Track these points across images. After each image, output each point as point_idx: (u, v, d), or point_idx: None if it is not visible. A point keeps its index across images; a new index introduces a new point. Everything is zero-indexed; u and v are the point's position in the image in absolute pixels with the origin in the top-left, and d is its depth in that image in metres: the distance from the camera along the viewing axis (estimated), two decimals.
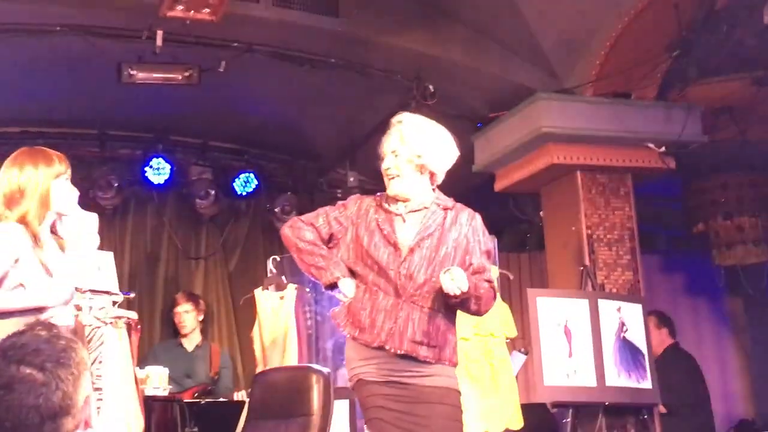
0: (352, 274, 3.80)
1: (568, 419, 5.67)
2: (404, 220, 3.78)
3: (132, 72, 5.91)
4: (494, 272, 5.65)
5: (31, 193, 3.49)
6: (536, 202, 7.19)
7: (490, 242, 3.84)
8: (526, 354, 6.21)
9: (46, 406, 1.62)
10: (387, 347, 3.61)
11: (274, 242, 8.10)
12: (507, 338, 5.62)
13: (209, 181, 7.86)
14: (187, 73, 6.03)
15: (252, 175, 7.98)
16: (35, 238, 3.48)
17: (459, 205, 3.86)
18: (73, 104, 7.02)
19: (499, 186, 7.05)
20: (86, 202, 6.25)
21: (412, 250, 3.71)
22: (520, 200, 7.99)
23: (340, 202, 3.94)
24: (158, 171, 7.62)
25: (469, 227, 3.75)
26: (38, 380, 1.62)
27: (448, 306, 3.65)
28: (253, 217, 8.28)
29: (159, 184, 7.64)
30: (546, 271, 7.02)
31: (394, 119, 3.87)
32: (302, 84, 6.87)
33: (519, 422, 5.44)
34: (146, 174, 7.60)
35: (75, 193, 3.66)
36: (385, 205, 3.86)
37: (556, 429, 6.57)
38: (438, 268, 3.63)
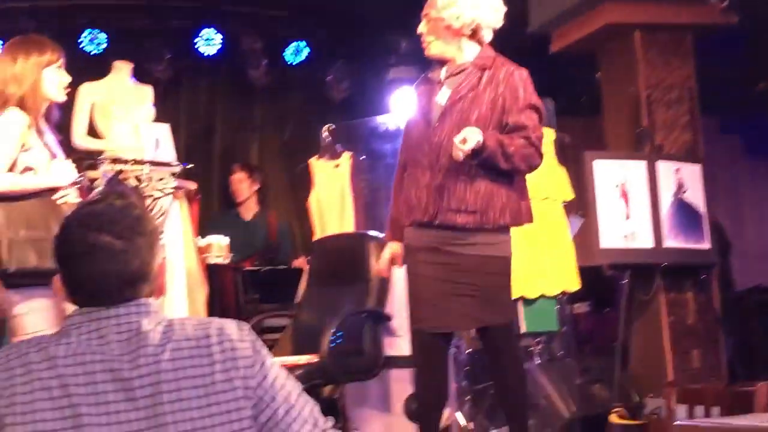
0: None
1: (626, 281, 5.68)
2: (442, 87, 3.73)
3: None
4: (550, 134, 5.61)
5: (26, 81, 3.56)
6: (593, 63, 7.04)
7: (534, 97, 3.68)
8: (584, 217, 6.20)
9: (125, 272, 1.66)
10: (434, 221, 3.63)
11: (327, 111, 8.08)
12: (563, 201, 5.59)
13: (260, 51, 7.81)
14: None
15: (303, 44, 7.91)
16: (35, 123, 3.57)
17: (500, 60, 3.70)
18: None
19: (554, 47, 6.90)
20: (139, 75, 6.33)
21: (443, 117, 3.65)
22: (576, 62, 7.82)
23: None
24: (209, 42, 7.59)
25: (505, 85, 3.62)
26: (117, 247, 1.66)
27: (486, 167, 3.57)
28: (305, 86, 8.24)
29: (210, 55, 7.62)
30: (602, 134, 6.93)
31: None
32: None
33: (575, 284, 5.47)
34: (197, 45, 7.58)
35: (67, 80, 3.69)
36: (429, 75, 3.81)
37: (612, 291, 6.62)
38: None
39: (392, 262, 3.94)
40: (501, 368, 3.75)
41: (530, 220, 3.77)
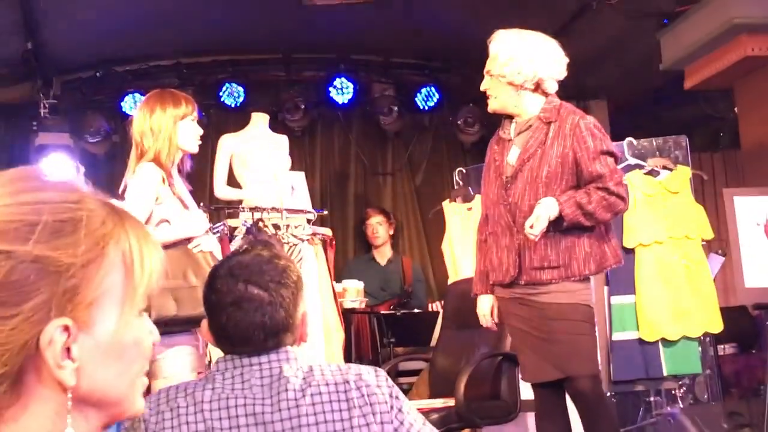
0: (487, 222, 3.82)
1: None
2: (512, 145, 3.72)
3: None
4: (687, 173, 5.49)
5: (161, 133, 3.68)
6: (729, 98, 6.87)
7: (605, 142, 3.61)
8: (724, 256, 6.02)
9: (271, 324, 1.73)
10: (519, 281, 3.62)
11: (458, 155, 8.15)
12: (703, 240, 5.45)
13: (392, 97, 7.94)
14: None
15: (433, 89, 8.01)
16: (168, 176, 3.68)
17: (564, 110, 3.67)
18: (257, 30, 7.20)
19: (689, 83, 6.76)
20: (275, 125, 6.53)
21: (515, 177, 3.63)
22: (711, 97, 7.65)
23: None
24: (342, 90, 7.78)
25: (572, 137, 3.57)
26: (264, 299, 1.73)
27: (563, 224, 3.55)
28: (436, 130, 8.33)
29: (343, 103, 7.81)
30: (741, 170, 6.73)
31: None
32: None
33: (718, 326, 5.30)
34: (330, 94, 7.78)
35: (199, 132, 3.80)
36: (501, 134, 3.80)
37: (757, 332, 6.37)
38: (543, 190, 3.54)
39: (492, 314, 3.93)
40: (592, 417, 3.68)
41: (618, 261, 3.69)
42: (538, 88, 3.68)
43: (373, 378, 1.72)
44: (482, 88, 3.74)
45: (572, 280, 3.59)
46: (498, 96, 3.69)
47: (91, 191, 0.96)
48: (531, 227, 3.47)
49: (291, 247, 5.00)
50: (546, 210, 3.46)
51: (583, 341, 3.64)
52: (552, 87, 3.70)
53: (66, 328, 0.89)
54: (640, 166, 5.46)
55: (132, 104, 7.26)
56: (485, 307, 3.92)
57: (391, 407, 1.70)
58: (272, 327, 1.72)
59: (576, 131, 3.58)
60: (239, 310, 1.71)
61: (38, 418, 0.90)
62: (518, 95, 3.68)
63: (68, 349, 0.90)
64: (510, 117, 3.78)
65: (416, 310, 6.84)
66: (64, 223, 0.91)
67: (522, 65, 3.63)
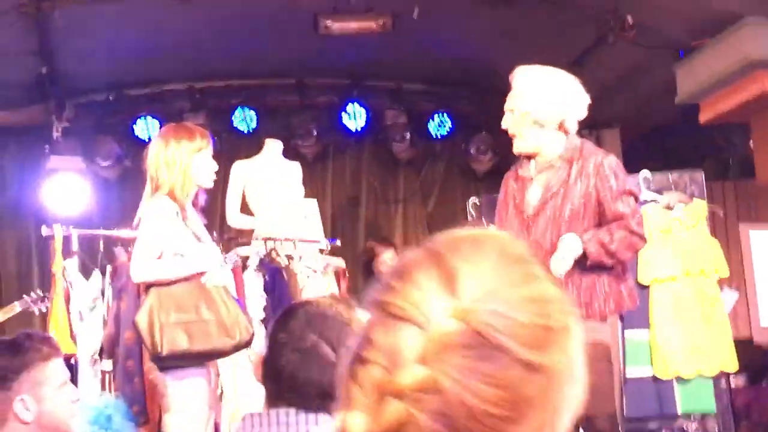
0: None
1: None
2: (533, 183, 3.70)
3: (328, 23, 6.01)
4: (703, 208, 5.45)
5: (177, 167, 3.67)
6: (743, 131, 6.84)
7: (627, 182, 3.66)
8: (737, 291, 5.97)
9: (326, 385, 1.69)
10: None
11: (471, 183, 8.11)
12: (718, 277, 5.40)
13: (404, 124, 7.92)
14: (381, 21, 6.07)
15: (446, 116, 7.98)
16: (182, 210, 3.66)
17: (587, 150, 3.68)
18: (271, 56, 7.20)
19: (704, 117, 6.73)
20: (287, 151, 6.51)
21: (536, 216, 3.62)
22: (725, 129, 7.62)
23: None
24: (354, 117, 7.76)
25: (596, 177, 3.59)
26: (329, 360, 1.68)
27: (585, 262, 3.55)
28: (449, 158, 8.30)
29: (356, 130, 7.79)
30: (754, 201, 6.69)
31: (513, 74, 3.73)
32: (494, 21, 6.77)
33: (734, 364, 5.24)
34: (343, 120, 7.76)
35: (215, 167, 3.79)
36: (519, 172, 3.78)
37: (767, 365, 6.33)
38: (565, 229, 3.55)
39: None
40: None
41: (634, 304, 3.71)
42: (561, 126, 3.66)
43: None
44: (504, 126, 3.71)
45: (593, 319, 3.57)
46: (521, 135, 3.67)
47: None
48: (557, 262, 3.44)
49: (304, 278, 4.97)
50: (570, 249, 3.44)
51: (602, 380, 3.62)
52: (574, 127, 3.69)
53: None
54: (656, 201, 5.43)
55: (144, 128, 7.25)
56: None
57: None
58: (328, 389, 1.68)
59: (599, 171, 3.60)
60: (303, 360, 1.67)
61: None
62: (542, 134, 3.65)
63: None
64: (527, 159, 3.76)
65: None
66: None
67: (547, 105, 3.61)
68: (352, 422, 0.78)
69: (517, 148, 3.70)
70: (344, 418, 0.79)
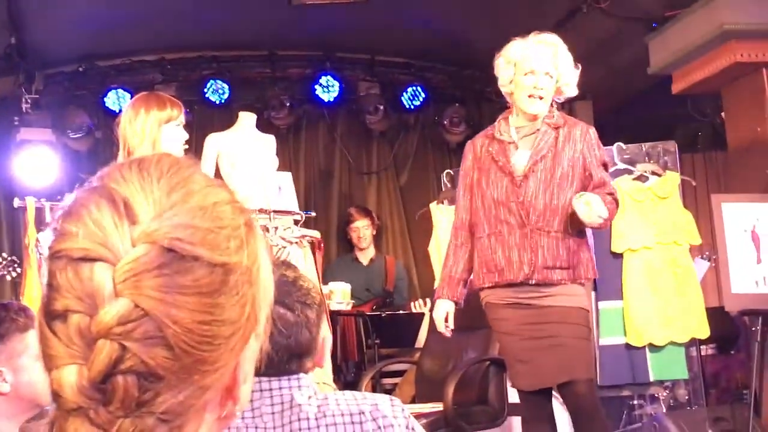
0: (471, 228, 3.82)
1: (758, 327, 5.48)
2: (516, 147, 3.75)
3: None
4: (676, 179, 5.50)
5: (146, 136, 3.63)
6: (716, 101, 6.87)
7: (605, 154, 3.85)
8: (708, 260, 6.04)
9: (295, 345, 1.69)
10: (530, 280, 3.64)
11: (444, 154, 8.12)
12: (690, 245, 5.46)
13: (378, 96, 7.89)
14: None
15: (419, 88, 7.96)
16: None
17: (571, 120, 3.83)
18: (243, 28, 7.14)
19: (676, 88, 6.76)
20: (259, 123, 6.48)
21: (526, 177, 3.68)
22: (698, 100, 7.66)
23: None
24: (327, 88, 7.73)
25: (583, 143, 3.72)
26: (290, 320, 1.68)
27: (574, 225, 3.65)
28: (422, 130, 8.29)
29: (329, 101, 7.76)
30: (723, 172, 6.74)
31: (543, 37, 3.79)
32: None
33: (705, 331, 5.32)
34: (316, 92, 7.72)
35: (185, 137, 3.75)
36: (498, 135, 3.81)
37: (737, 334, 6.40)
38: (556, 190, 3.65)
39: (446, 320, 3.92)
40: (587, 422, 3.69)
41: (595, 274, 3.83)
42: (556, 94, 3.77)
43: (389, 408, 1.69)
44: (536, 85, 3.70)
45: (578, 282, 3.67)
46: (546, 99, 3.74)
47: None
48: (587, 205, 3.51)
49: (279, 249, 4.96)
50: (602, 208, 3.51)
51: (586, 345, 3.71)
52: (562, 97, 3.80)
53: None
54: (629, 171, 5.47)
55: (115, 100, 7.18)
56: (443, 313, 3.89)
57: None
58: (296, 348, 1.68)
59: (587, 138, 3.73)
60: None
61: None
62: (550, 100, 3.78)
63: None
64: (506, 118, 3.80)
65: (401, 312, 6.81)
66: None
67: (574, 80, 3.79)
68: (66, 377, 0.77)
69: (538, 110, 3.73)
70: (55, 377, 0.78)
